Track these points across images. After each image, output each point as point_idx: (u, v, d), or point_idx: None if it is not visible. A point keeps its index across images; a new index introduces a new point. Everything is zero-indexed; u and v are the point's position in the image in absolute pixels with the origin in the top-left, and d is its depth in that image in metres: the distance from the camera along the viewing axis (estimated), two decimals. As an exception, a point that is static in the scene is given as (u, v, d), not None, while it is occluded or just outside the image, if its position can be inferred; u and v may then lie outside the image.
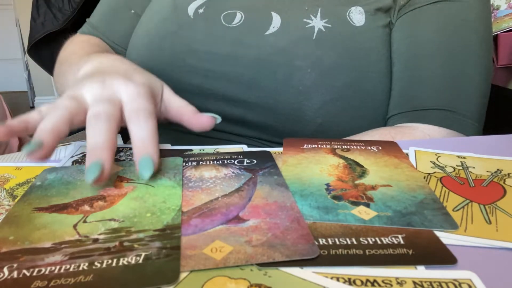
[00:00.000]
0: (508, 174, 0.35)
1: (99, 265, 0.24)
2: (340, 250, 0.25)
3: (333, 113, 0.50)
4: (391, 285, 0.22)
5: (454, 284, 0.23)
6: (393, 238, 0.26)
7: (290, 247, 0.25)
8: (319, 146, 0.41)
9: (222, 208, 0.30)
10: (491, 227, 0.28)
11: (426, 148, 0.40)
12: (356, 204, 0.30)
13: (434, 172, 0.36)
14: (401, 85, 0.51)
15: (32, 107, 3.51)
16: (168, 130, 0.59)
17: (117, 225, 0.28)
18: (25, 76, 3.52)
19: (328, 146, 0.41)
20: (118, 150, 0.42)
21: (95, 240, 0.26)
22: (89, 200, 0.31)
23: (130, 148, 0.42)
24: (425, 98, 0.50)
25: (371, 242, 0.26)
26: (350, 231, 0.27)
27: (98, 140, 0.32)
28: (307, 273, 0.23)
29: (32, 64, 3.19)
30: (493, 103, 0.54)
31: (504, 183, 0.34)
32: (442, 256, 0.25)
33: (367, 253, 0.25)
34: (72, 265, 0.24)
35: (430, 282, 0.23)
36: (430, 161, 0.38)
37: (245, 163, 0.37)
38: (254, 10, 0.52)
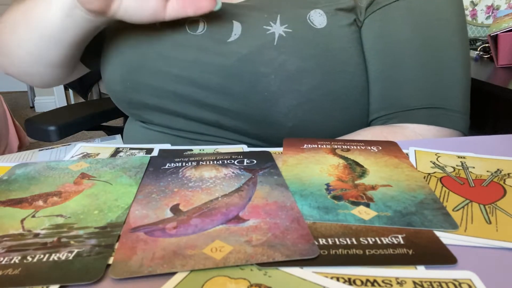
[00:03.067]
0: (508, 174, 0.35)
1: (30, 259, 0.25)
2: (340, 250, 0.25)
3: (302, 116, 0.50)
4: (391, 285, 0.22)
5: (454, 284, 0.23)
6: (393, 238, 0.26)
7: (290, 247, 0.25)
8: (319, 146, 0.41)
9: (222, 208, 0.30)
10: (491, 227, 0.28)
11: (426, 148, 0.40)
12: (356, 204, 0.30)
13: (434, 172, 0.36)
14: (382, 86, 0.51)
15: (32, 107, 3.51)
16: (151, 131, 0.59)
17: (62, 221, 0.29)
18: (25, 76, 3.52)
19: (328, 146, 0.41)
20: (118, 150, 0.42)
21: (36, 235, 0.27)
22: (45, 196, 0.32)
23: (130, 148, 0.43)
24: (409, 98, 0.50)
25: (371, 242, 0.26)
26: (350, 231, 0.27)
27: None
28: (307, 273, 0.23)
29: (32, 64, 3.19)
30: (493, 103, 0.54)
31: (504, 183, 0.34)
32: (442, 256, 0.25)
33: (367, 253, 0.25)
34: (6, 258, 0.25)
35: (430, 282, 0.23)
36: (430, 161, 0.38)
37: (245, 163, 0.37)
38: (215, 18, 0.52)
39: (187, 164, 0.37)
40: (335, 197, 0.31)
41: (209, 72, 0.51)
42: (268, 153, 0.40)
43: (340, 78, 0.50)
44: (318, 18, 0.50)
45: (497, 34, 1.01)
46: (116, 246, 0.26)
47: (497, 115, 0.84)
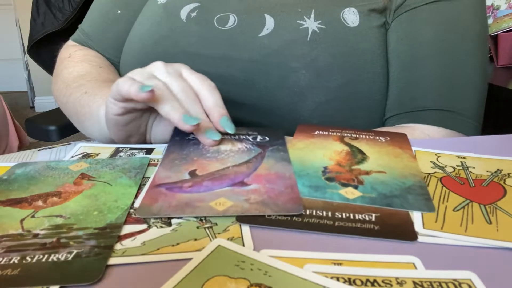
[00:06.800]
0: (508, 174, 0.35)
1: (29, 259, 0.25)
2: (313, 220, 0.29)
3: (328, 114, 0.50)
4: (391, 285, 0.22)
5: (454, 284, 0.23)
6: (366, 216, 0.29)
7: (280, 205, 0.30)
8: (330, 133, 0.42)
9: (231, 175, 0.34)
10: (492, 227, 0.28)
11: (426, 148, 0.40)
12: (346, 185, 0.32)
13: (434, 172, 0.36)
14: (399, 86, 0.51)
15: (32, 107, 3.50)
16: None
17: (62, 222, 0.29)
18: (25, 76, 3.52)
19: (339, 134, 0.42)
20: (118, 150, 0.42)
21: (35, 235, 0.27)
22: (44, 196, 0.32)
23: (130, 148, 0.43)
24: (424, 98, 0.50)
25: (344, 217, 0.29)
26: (330, 206, 0.30)
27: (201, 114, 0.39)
28: (307, 273, 0.23)
29: (32, 64, 3.19)
30: (493, 103, 0.54)
31: (504, 183, 0.34)
32: (404, 233, 0.27)
33: (336, 224, 0.28)
34: (5, 258, 0.25)
35: (430, 282, 0.23)
36: (430, 161, 0.38)
37: (258, 139, 0.42)
38: (247, 12, 0.52)
39: None
40: (328, 178, 0.34)
41: (236, 68, 0.50)
42: (281, 132, 0.43)
43: (367, 78, 0.50)
44: (351, 16, 0.50)
45: (497, 34, 1.01)
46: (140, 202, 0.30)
47: (497, 115, 0.84)
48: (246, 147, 0.40)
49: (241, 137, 0.42)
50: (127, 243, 0.26)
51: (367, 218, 0.29)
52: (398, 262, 0.25)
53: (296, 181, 0.33)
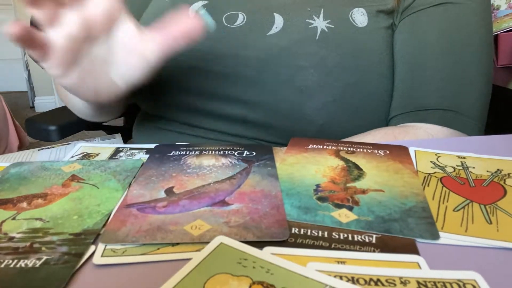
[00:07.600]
0: (508, 174, 0.35)
1: None
2: (307, 241, 0.26)
3: (335, 113, 0.50)
4: (395, 285, 0.22)
5: (459, 285, 0.23)
6: (366, 237, 0.27)
7: (263, 229, 0.27)
8: (324, 147, 0.40)
9: (211, 193, 0.32)
10: (492, 227, 0.28)
11: (426, 148, 0.40)
12: (339, 206, 0.30)
13: (434, 172, 0.36)
14: (404, 85, 0.51)
15: (32, 107, 3.50)
16: (166, 131, 0.59)
17: (40, 225, 0.28)
18: (25, 76, 3.52)
19: (334, 148, 0.40)
20: (118, 150, 0.42)
21: (11, 239, 0.27)
22: (30, 197, 0.32)
23: (130, 148, 0.43)
24: (428, 98, 0.50)
25: (341, 238, 0.27)
26: (325, 229, 0.28)
27: None
28: (310, 271, 0.23)
29: (32, 64, 3.19)
30: (493, 103, 0.54)
31: (504, 183, 0.34)
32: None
33: (332, 246, 0.26)
34: None
35: (434, 282, 0.23)
36: (430, 161, 0.38)
37: (244, 155, 0.38)
38: (256, 11, 0.52)
39: (190, 153, 0.38)
40: (320, 198, 0.31)
41: (244, 66, 0.50)
42: (269, 147, 0.40)
43: (373, 79, 0.50)
44: (360, 17, 0.50)
45: (497, 34, 1.01)
46: (104, 228, 0.28)
47: (497, 115, 0.84)
48: (230, 162, 0.37)
49: (226, 152, 0.39)
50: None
51: (367, 240, 0.26)
52: (402, 261, 0.25)
53: (283, 200, 0.31)
